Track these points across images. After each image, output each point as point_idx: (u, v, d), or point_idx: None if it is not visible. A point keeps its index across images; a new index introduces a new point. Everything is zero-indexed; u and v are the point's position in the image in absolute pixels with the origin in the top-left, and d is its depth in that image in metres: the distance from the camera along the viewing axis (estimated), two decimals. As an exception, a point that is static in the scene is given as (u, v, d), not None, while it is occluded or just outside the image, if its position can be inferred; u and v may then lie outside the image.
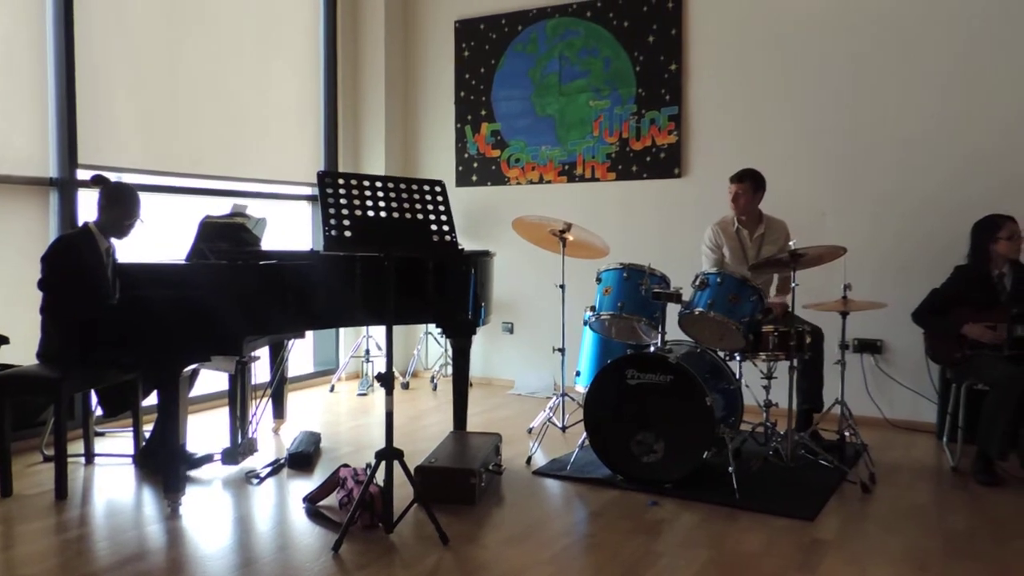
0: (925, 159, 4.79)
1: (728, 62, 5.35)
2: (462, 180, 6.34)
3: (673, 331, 3.99)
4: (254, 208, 4.66)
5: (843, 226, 4.86)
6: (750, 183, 4.45)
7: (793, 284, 3.90)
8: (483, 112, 6.24)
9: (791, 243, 3.91)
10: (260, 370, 4.32)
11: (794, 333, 3.79)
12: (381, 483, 3.07)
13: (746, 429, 4.20)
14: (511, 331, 6.19)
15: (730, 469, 3.55)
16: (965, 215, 4.22)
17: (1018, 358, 3.86)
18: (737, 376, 4.02)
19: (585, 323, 4.21)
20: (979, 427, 3.83)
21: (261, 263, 3.50)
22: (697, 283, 3.89)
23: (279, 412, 4.77)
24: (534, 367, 5.96)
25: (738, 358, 4.07)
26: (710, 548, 3.03)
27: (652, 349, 3.83)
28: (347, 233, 2.89)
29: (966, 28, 4.66)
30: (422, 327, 6.31)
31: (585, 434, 3.79)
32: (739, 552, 2.99)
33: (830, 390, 4.28)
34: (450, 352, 5.68)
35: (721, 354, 4.05)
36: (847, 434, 4.11)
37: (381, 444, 3.08)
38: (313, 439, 4.28)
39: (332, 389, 5.99)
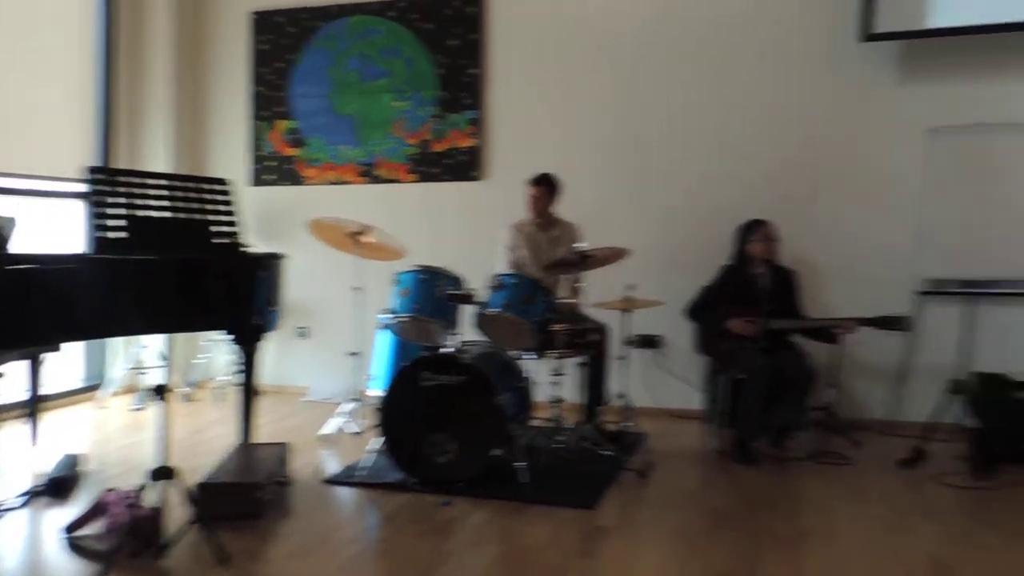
0: (704, 167, 5.22)
1: (527, 69, 5.54)
2: (257, 179, 6.11)
3: (470, 332, 4.08)
4: (9, 206, 4.22)
5: (628, 229, 5.17)
6: (546, 187, 4.65)
7: (581, 284, 4.12)
8: (280, 109, 6.05)
9: (581, 245, 4.12)
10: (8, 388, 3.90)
11: (581, 331, 4.00)
12: (154, 505, 2.91)
13: (536, 425, 4.38)
14: (305, 336, 6.03)
15: (519, 464, 3.69)
16: (734, 219, 4.63)
17: (771, 349, 4.30)
18: (527, 374, 4.18)
19: (382, 326, 4.21)
20: (737, 413, 4.24)
21: (4, 268, 3.15)
22: (493, 284, 4.00)
23: (33, 434, 4.32)
24: (329, 372, 5.83)
25: (530, 356, 4.23)
26: (499, 543, 3.14)
27: (446, 350, 3.91)
28: (121, 234, 2.72)
29: (742, 51, 5.13)
30: (206, 333, 5.95)
31: (379, 438, 3.80)
32: (526, 545, 3.13)
33: (614, 383, 4.56)
34: (237, 360, 5.42)
35: (514, 353, 4.19)
36: (627, 425, 4.40)
37: (155, 463, 2.92)
38: (74, 462, 3.88)
39: (101, 405, 5.46)
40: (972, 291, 4.66)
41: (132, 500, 3.06)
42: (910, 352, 4.84)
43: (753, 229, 4.48)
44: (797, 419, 4.29)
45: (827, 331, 4.33)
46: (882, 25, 4.66)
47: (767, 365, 4.16)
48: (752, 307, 4.38)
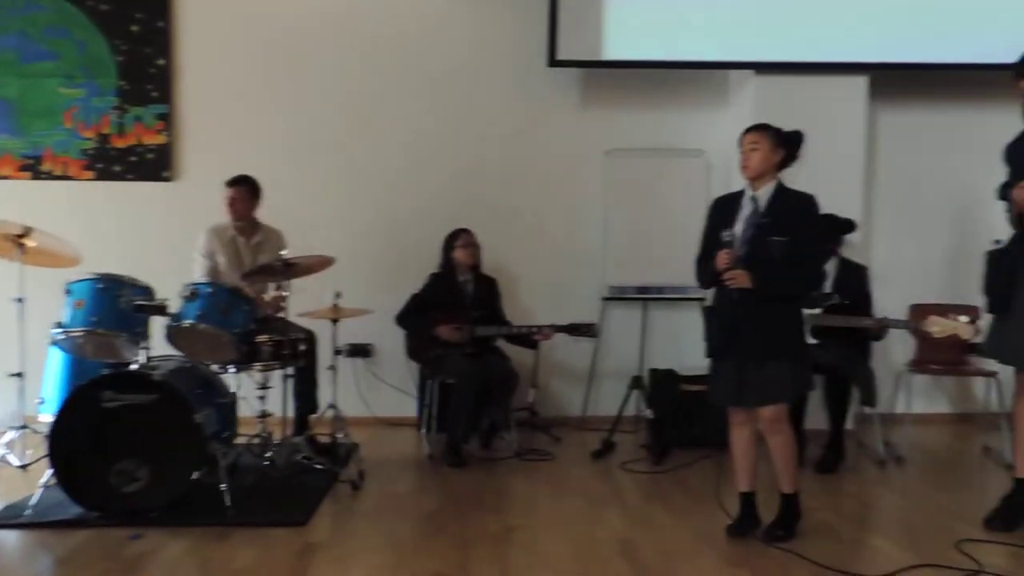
0: (408, 179, 5.29)
1: (223, 64, 5.21)
2: None
3: (161, 346, 3.71)
4: None
5: (335, 237, 5.05)
6: (247, 188, 4.39)
7: (286, 292, 3.95)
8: (-93, 85, 5.05)
9: (283, 252, 3.95)
10: None
11: (287, 341, 3.83)
12: None
13: (241, 442, 4.11)
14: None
15: (222, 487, 3.43)
16: (441, 230, 4.75)
17: (476, 354, 4.47)
18: (231, 388, 3.92)
19: (52, 342, 3.67)
20: (447, 417, 4.35)
21: None
22: (187, 294, 3.68)
23: None
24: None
25: (232, 370, 3.96)
26: (198, 573, 2.89)
27: (134, 367, 3.51)
28: None
29: (443, 69, 5.27)
30: None
31: (50, 470, 3.30)
32: (230, 571, 2.90)
33: (324, 394, 4.43)
34: None
35: (214, 367, 3.90)
36: (339, 436, 4.30)
37: None
38: None
39: None
40: (646, 296, 5.26)
41: None
42: (599, 353, 5.32)
43: (456, 236, 4.64)
44: (503, 419, 4.50)
45: (527, 337, 4.60)
46: (565, 53, 5.08)
47: (475, 369, 4.31)
48: (459, 314, 4.52)
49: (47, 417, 3.82)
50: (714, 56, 5.07)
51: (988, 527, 3.28)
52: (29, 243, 3.98)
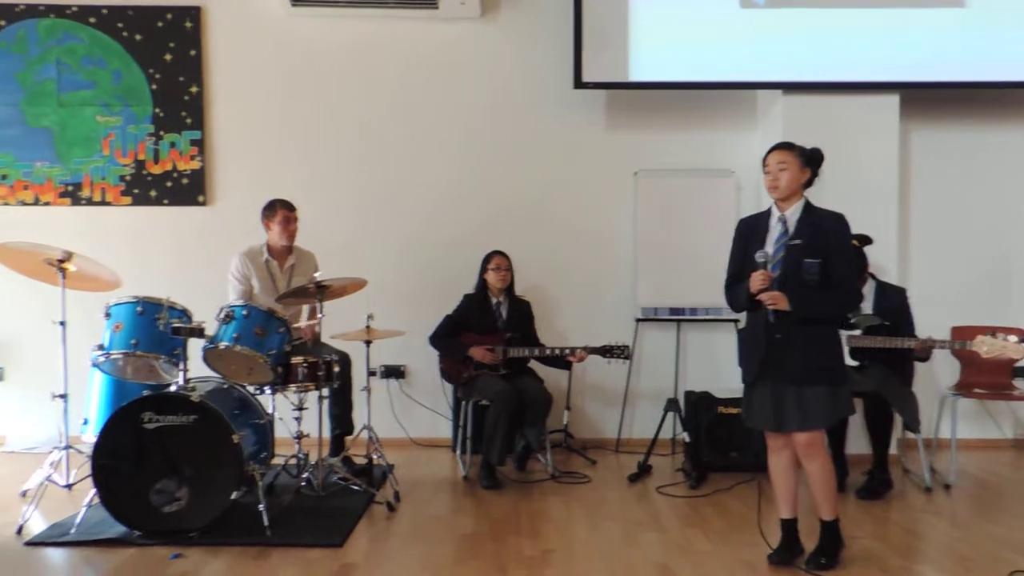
0: (440, 201, 5.32)
1: (255, 92, 5.29)
2: (-76, 196, 5.17)
3: (199, 368, 3.74)
4: None
5: (369, 260, 5.09)
6: (295, 212, 4.44)
7: (320, 315, 3.97)
8: (-46, 116, 5.18)
9: (316, 274, 3.97)
10: None
11: (322, 363, 3.84)
12: None
13: (278, 463, 4.12)
14: (0, 377, 5.20)
15: (260, 507, 3.43)
16: (473, 252, 4.77)
17: (510, 376, 4.46)
18: (268, 410, 3.93)
19: (93, 364, 3.71)
20: (483, 438, 4.33)
21: None
22: (222, 316, 3.71)
23: None
24: (31, 418, 5.06)
25: (269, 391, 3.98)
26: (239, 594, 2.88)
27: (173, 388, 3.54)
28: None
29: (471, 93, 5.32)
30: None
31: (94, 490, 3.33)
32: (269, 592, 2.90)
33: (359, 415, 4.43)
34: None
35: (251, 388, 3.92)
36: (374, 457, 4.29)
37: None
38: None
39: None
40: (679, 318, 5.22)
41: None
42: (633, 375, 5.28)
43: (489, 259, 4.65)
44: (537, 441, 4.47)
45: (560, 358, 4.57)
46: (591, 75, 5.10)
47: (509, 390, 4.30)
48: (493, 335, 4.52)
49: (90, 437, 3.85)
50: (742, 76, 5.08)
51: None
52: (70, 268, 4.03)
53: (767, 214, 3.13)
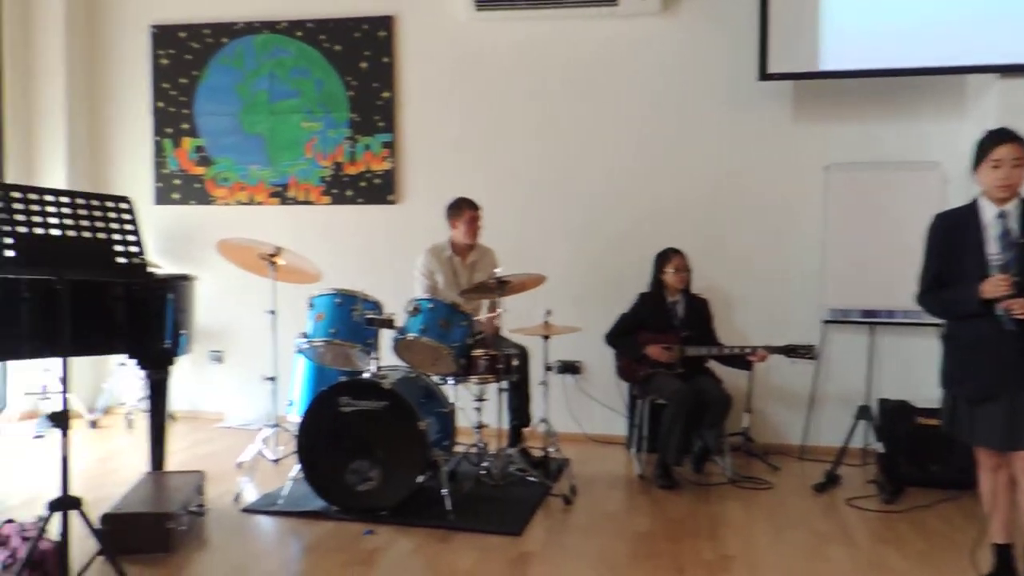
0: (616, 197, 5.30)
1: (440, 95, 5.52)
2: (162, 198, 5.83)
3: (388, 357, 3.97)
4: None
5: (546, 255, 5.19)
6: (479, 211, 4.61)
7: (500, 309, 4.09)
8: (185, 126, 5.80)
9: (497, 270, 4.09)
10: None
11: (502, 356, 3.96)
12: (57, 538, 2.66)
13: (460, 451, 4.30)
14: (220, 360, 5.78)
15: (444, 492, 3.60)
16: (649, 248, 4.72)
17: (687, 375, 4.37)
18: (450, 399, 4.11)
19: (298, 350, 4.04)
20: (659, 437, 4.28)
21: None
22: (410, 309, 3.92)
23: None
24: (245, 398, 5.61)
25: (451, 382, 4.16)
26: (424, 571, 3.04)
27: (366, 375, 3.78)
28: (8, 252, 2.49)
29: (650, 89, 5.26)
30: (115, 357, 5.63)
31: (298, 465, 3.63)
32: (452, 572, 3.03)
33: (536, 409, 4.52)
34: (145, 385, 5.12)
35: (435, 378, 4.11)
36: (551, 450, 4.37)
37: (58, 493, 2.68)
38: None
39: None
40: (872, 320, 4.90)
41: (32, 532, 2.79)
42: (820, 379, 5.03)
43: (667, 258, 4.58)
44: (716, 443, 4.36)
45: (741, 358, 4.43)
46: (777, 66, 4.88)
47: (687, 390, 4.22)
48: (669, 334, 4.45)
49: (295, 417, 4.21)
50: (948, 60, 4.67)
51: None
52: (280, 262, 4.42)
53: (973, 209, 2.83)
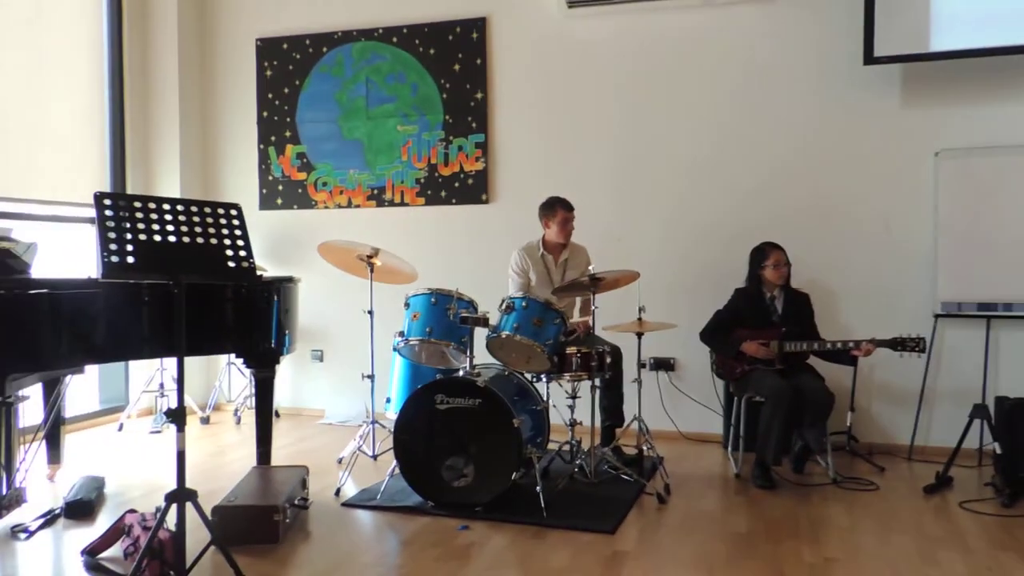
0: (708, 190, 5.21)
1: (531, 94, 5.54)
2: (266, 203, 6.10)
3: (482, 355, 4.03)
4: (26, 232, 4.20)
5: (637, 252, 5.15)
6: (573, 211, 4.63)
7: (594, 307, 4.10)
8: (288, 134, 6.05)
9: (590, 267, 4.09)
10: (31, 411, 3.89)
11: (595, 354, 3.96)
12: (173, 528, 2.84)
13: (553, 448, 4.32)
14: (320, 359, 6.01)
15: (538, 489, 3.62)
16: (744, 241, 4.62)
17: (787, 372, 4.25)
18: (544, 397, 4.14)
19: (394, 349, 4.16)
20: (757, 436, 4.18)
21: (28, 292, 3.16)
22: (503, 307, 3.96)
23: (55, 456, 4.30)
24: (344, 395, 5.82)
25: (544, 379, 4.19)
26: (518, 568, 3.07)
27: (461, 373, 3.85)
28: (129, 259, 2.67)
29: (744, 77, 5.13)
30: (224, 357, 5.97)
31: (395, 462, 3.74)
32: (546, 569, 3.05)
33: (629, 406, 4.50)
34: (253, 383, 5.40)
35: (528, 376, 4.15)
36: (645, 448, 4.33)
37: (175, 485, 2.86)
38: (95, 484, 3.90)
39: (121, 428, 5.50)
40: (990, 314, 4.63)
41: (152, 522, 2.99)
42: (931, 375, 4.80)
43: (766, 254, 4.45)
44: (817, 443, 4.22)
45: (844, 353, 4.27)
46: (884, 48, 4.68)
47: (786, 387, 4.10)
48: (767, 330, 4.34)
49: (392, 414, 4.34)
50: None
51: None
52: (377, 263, 4.56)
53: None
